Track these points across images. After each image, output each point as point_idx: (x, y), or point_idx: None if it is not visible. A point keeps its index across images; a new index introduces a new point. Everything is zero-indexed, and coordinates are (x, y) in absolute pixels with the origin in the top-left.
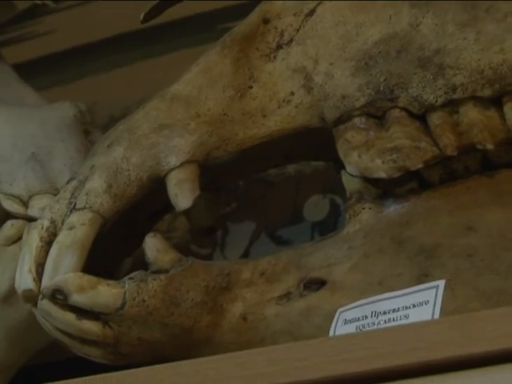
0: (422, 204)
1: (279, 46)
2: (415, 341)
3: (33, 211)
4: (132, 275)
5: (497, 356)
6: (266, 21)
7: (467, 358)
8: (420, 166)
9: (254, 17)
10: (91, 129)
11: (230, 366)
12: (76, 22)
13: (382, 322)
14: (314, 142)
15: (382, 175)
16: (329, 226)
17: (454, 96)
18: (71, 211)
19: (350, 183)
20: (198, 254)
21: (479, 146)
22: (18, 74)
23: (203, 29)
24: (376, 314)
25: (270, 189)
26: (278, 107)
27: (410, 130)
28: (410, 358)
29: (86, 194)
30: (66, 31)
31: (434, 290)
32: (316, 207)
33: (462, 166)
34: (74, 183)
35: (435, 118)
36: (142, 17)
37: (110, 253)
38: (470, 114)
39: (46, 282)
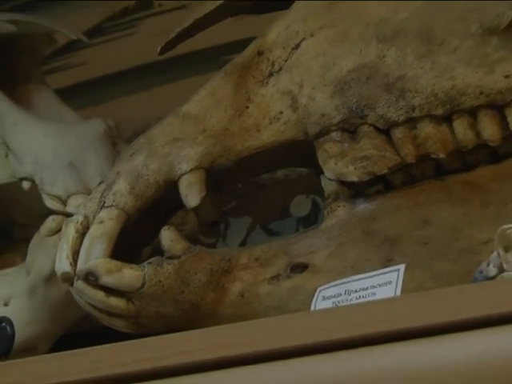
0: (387, 202)
1: (271, 74)
2: (381, 314)
3: (70, 208)
4: (150, 260)
5: (447, 327)
6: (260, 53)
7: (423, 328)
8: (385, 171)
9: (250, 50)
10: (118, 141)
11: (231, 334)
12: (104, 55)
13: (353, 299)
14: (299, 152)
15: (354, 179)
16: (311, 220)
17: (413, 115)
18: (101, 208)
19: (328, 186)
20: (205, 243)
21: (433, 155)
22: (59, 96)
23: (209, 60)
24: (349, 292)
25: (263, 190)
26: (270, 123)
27: (377, 142)
28: (377, 328)
29: (113, 194)
30: (96, 62)
31: (396, 273)
32: (300, 205)
33: (419, 172)
34: (103, 185)
35: (397, 133)
36: (158, 50)
37: (132, 242)
38: (426, 129)
39: (81, 266)
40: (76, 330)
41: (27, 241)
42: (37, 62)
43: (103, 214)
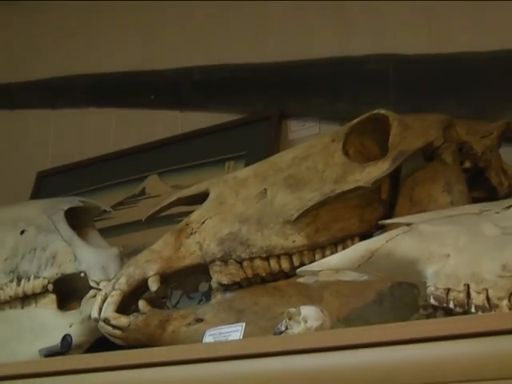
0: (239, 294)
1: (191, 234)
2: (233, 346)
3: (100, 287)
4: (133, 314)
5: (264, 354)
6: (187, 224)
7: (253, 354)
8: (238, 280)
9: (183, 222)
10: (124, 257)
11: (169, 352)
12: (122, 215)
13: (222, 337)
14: (202, 269)
15: (225, 283)
16: (208, 293)
17: (252, 256)
18: (112, 290)
19: (214, 284)
20: (161, 301)
21: (260, 274)
22: (100, 233)
23: (167, 220)
24: (220, 333)
25: (188, 279)
26: (190, 255)
27: (236, 267)
28: (232, 352)
29: (118, 284)
30: (119, 218)
31: (241, 326)
32: (203, 287)
33: (254, 281)
34: (114, 279)
35: (245, 264)
36: (143, 219)
37: (126, 304)
38: (257, 263)
39: (102, 315)
40: (99, 338)
41: (82, 298)
42: (91, 217)
43: (113, 292)
